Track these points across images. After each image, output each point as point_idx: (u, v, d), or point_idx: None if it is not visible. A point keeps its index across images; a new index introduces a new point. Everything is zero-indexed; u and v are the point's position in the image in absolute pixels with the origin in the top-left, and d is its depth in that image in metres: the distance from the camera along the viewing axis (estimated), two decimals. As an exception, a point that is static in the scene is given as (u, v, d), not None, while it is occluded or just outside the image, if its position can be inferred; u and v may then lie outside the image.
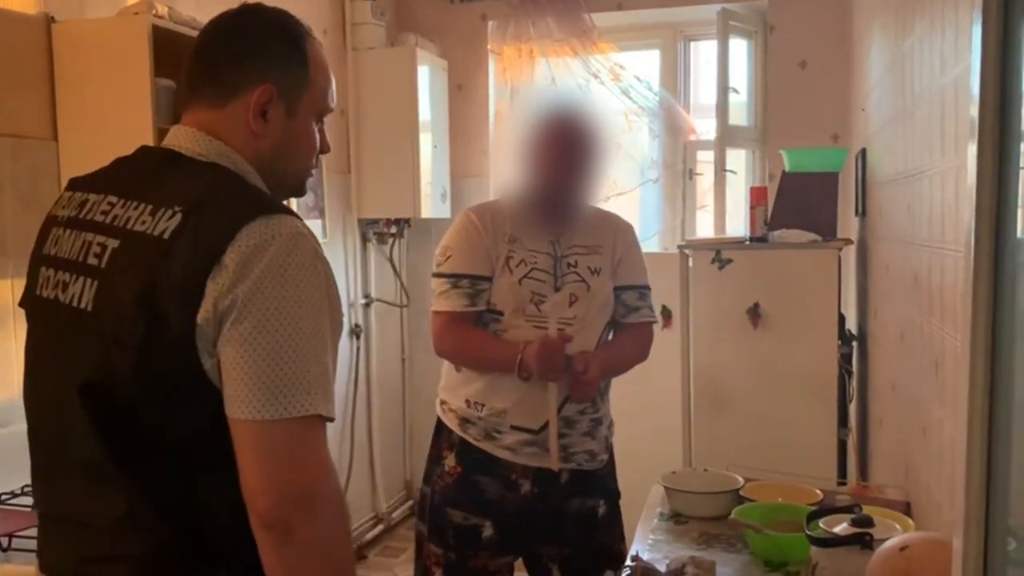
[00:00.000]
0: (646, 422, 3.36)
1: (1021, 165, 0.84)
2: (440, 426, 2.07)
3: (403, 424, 4.20)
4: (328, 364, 1.05)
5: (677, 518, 1.95)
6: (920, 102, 1.88)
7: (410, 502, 4.14)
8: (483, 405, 1.97)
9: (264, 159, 1.16)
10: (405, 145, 3.70)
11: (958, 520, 0.92)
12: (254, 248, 1.00)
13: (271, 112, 1.14)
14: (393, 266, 4.03)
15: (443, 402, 2.08)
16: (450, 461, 2.01)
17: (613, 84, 3.85)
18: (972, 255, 0.87)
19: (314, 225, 3.50)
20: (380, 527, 3.88)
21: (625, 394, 2.44)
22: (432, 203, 3.79)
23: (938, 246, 1.63)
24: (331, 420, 1.04)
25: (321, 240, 3.55)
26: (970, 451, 0.90)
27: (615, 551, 2.06)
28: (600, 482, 2.08)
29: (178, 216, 1.04)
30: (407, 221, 3.98)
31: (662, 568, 1.58)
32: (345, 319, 3.80)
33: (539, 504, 1.99)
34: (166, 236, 1.03)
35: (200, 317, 0.99)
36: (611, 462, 2.13)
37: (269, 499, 1.00)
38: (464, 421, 2.00)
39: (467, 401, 2.00)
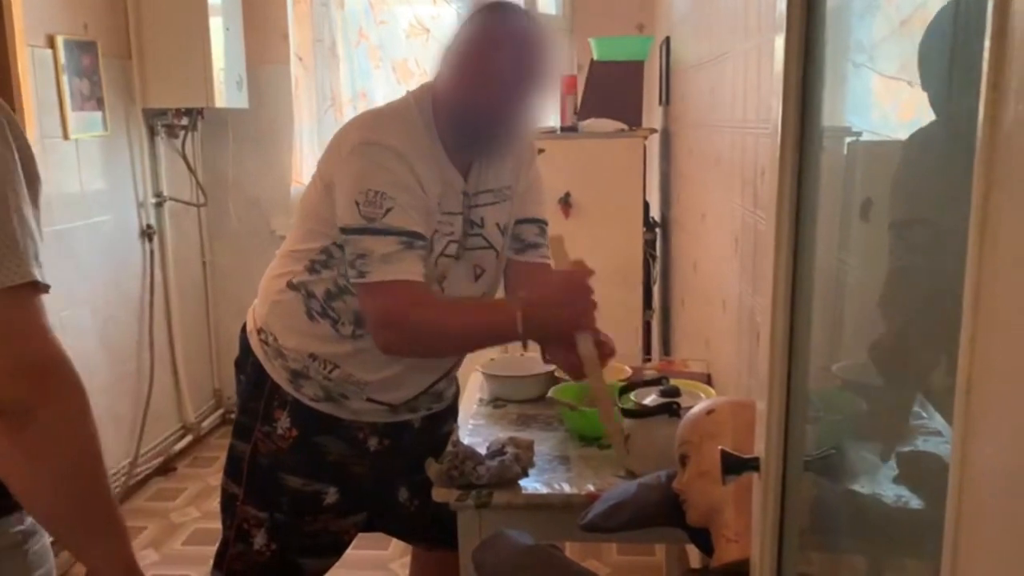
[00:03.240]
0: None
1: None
2: (262, 375, 1.63)
3: (208, 330, 3.99)
4: (34, 224, 0.90)
5: (496, 402, 1.98)
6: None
7: (221, 411, 3.98)
8: (336, 367, 1.59)
9: None
10: (193, 28, 3.37)
11: (762, 383, 0.97)
12: None
13: None
14: (187, 162, 3.73)
15: (267, 342, 1.62)
16: (284, 423, 1.62)
17: (419, -35, 3.68)
18: (779, 140, 0.89)
19: (92, 117, 3.14)
20: (189, 437, 3.71)
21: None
22: (227, 91, 3.50)
23: (740, 125, 1.69)
24: (47, 289, 0.91)
25: (101, 134, 3.22)
26: (774, 319, 0.94)
27: None
28: (453, 405, 1.84)
29: None
30: (200, 112, 3.67)
31: (483, 451, 1.60)
32: (135, 220, 3.51)
33: (392, 457, 1.68)
34: None
35: None
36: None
37: None
38: (297, 376, 1.60)
39: (313, 356, 1.59)
